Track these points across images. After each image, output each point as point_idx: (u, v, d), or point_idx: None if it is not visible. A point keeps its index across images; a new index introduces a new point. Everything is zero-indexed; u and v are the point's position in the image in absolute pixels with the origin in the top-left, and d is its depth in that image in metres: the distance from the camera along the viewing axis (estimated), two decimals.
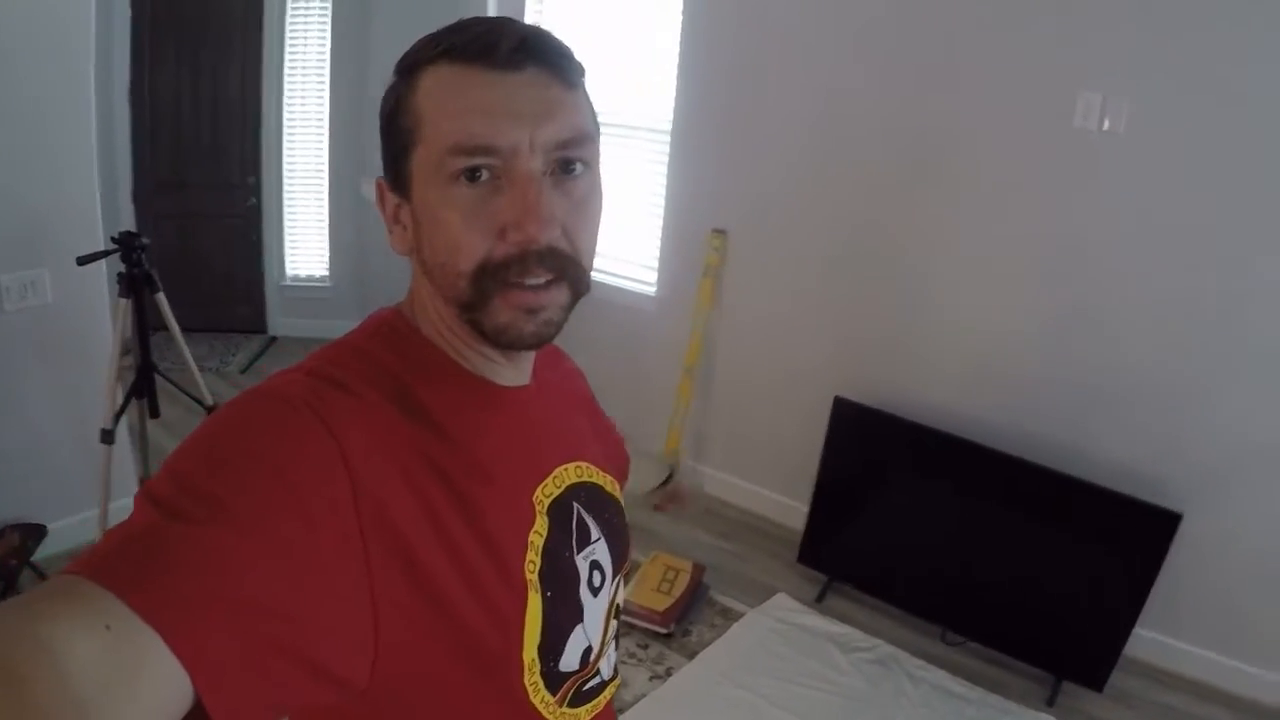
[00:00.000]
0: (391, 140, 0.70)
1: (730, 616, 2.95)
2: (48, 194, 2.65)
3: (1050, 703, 2.71)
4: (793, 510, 3.45)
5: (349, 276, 5.25)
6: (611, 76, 3.84)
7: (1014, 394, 3.00)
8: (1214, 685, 2.80)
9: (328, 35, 4.80)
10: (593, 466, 0.87)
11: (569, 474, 0.82)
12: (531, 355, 0.80)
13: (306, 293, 5.30)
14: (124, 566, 0.49)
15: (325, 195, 5.11)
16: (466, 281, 0.67)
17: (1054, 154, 2.80)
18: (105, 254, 2.40)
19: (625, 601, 0.73)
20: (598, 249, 0.73)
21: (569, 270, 0.69)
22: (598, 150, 0.71)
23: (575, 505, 0.81)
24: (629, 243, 3.92)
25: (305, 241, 5.24)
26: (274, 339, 5.20)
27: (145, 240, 2.42)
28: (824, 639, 2.84)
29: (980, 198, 2.97)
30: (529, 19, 4.11)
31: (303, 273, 5.30)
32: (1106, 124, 2.68)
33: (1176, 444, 2.74)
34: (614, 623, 0.86)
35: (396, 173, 0.71)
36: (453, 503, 0.67)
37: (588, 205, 0.70)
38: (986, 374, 3.06)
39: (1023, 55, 2.80)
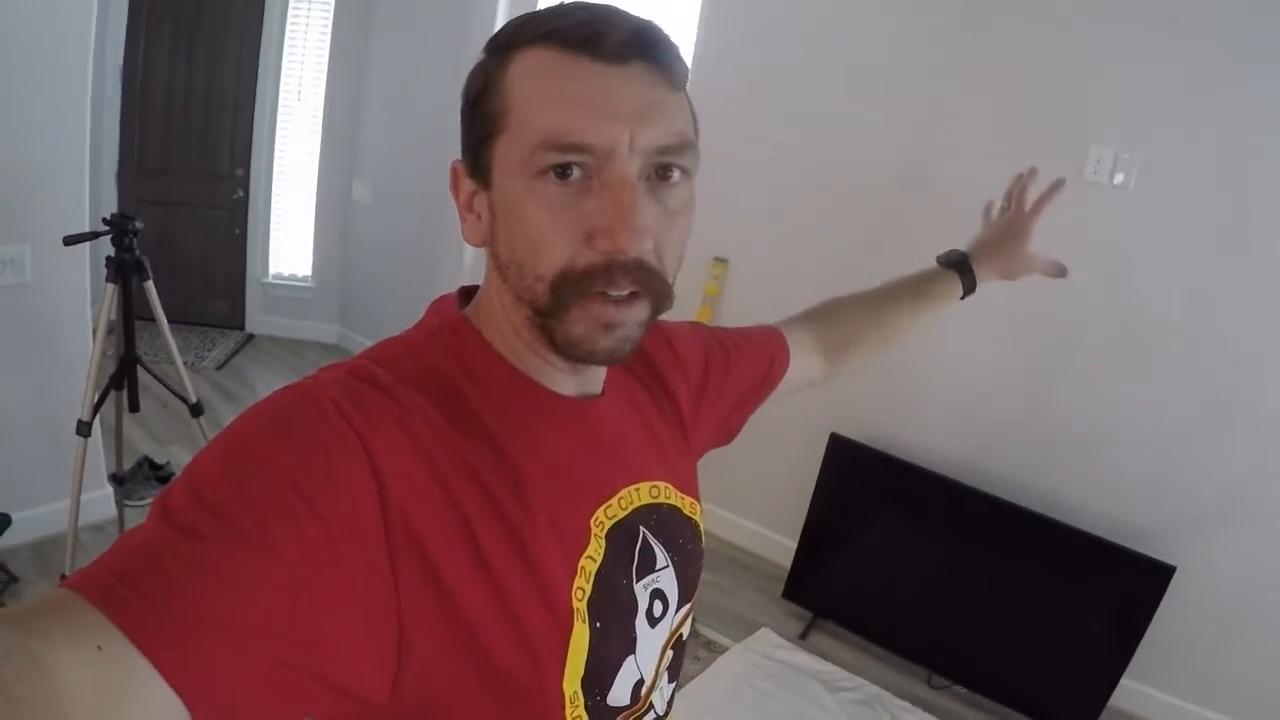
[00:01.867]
0: (475, 123, 0.65)
1: (714, 650, 2.88)
2: (35, 169, 2.53)
3: None
4: (779, 545, 3.40)
5: (332, 279, 5.18)
6: None
7: (1009, 439, 2.97)
8: None
9: (328, 31, 4.74)
10: (671, 487, 0.80)
11: (639, 495, 0.76)
12: (603, 368, 0.75)
13: (288, 292, 5.21)
14: (121, 586, 0.46)
15: (314, 194, 5.02)
16: (545, 286, 0.62)
17: (1062, 205, 2.79)
18: (95, 235, 2.29)
19: None
20: (681, 264, 0.68)
21: (653, 285, 0.63)
22: (697, 158, 0.65)
23: (642, 529, 0.75)
24: None
25: (290, 239, 5.14)
26: (251, 336, 5.08)
27: (139, 224, 2.30)
28: (809, 677, 2.78)
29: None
30: None
31: (285, 271, 5.20)
32: (1118, 178, 2.69)
33: (1167, 495, 2.73)
34: (670, 653, 0.79)
35: (476, 158, 0.65)
36: (494, 520, 0.61)
37: (680, 217, 0.64)
38: (982, 417, 3.04)
39: (1036, 106, 2.81)
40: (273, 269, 5.15)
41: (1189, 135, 2.58)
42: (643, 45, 0.61)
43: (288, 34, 4.71)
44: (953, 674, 2.89)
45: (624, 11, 0.62)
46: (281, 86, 4.79)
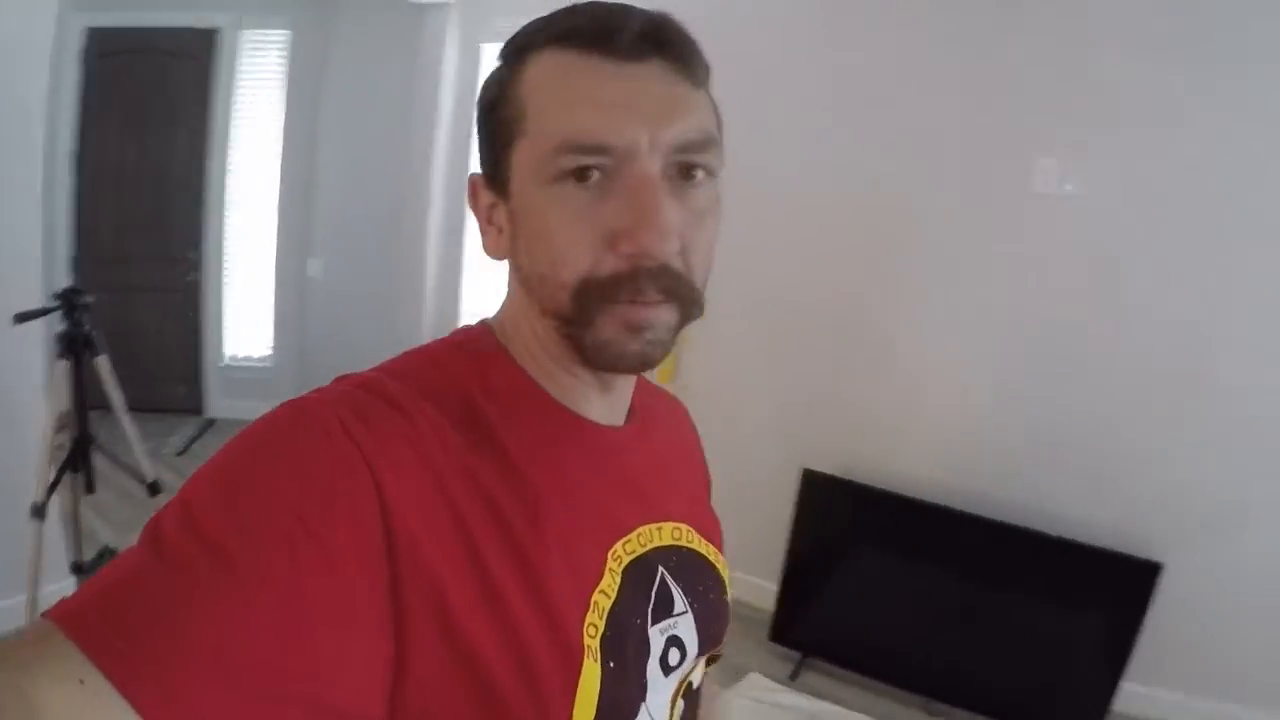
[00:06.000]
0: (491, 132, 0.63)
1: None
2: None
3: None
4: (760, 589, 3.34)
5: (292, 356, 5.11)
6: None
7: (985, 457, 2.99)
8: None
9: (280, 108, 4.78)
10: (694, 531, 0.77)
11: (659, 534, 0.72)
12: (629, 393, 0.73)
13: (247, 373, 5.13)
14: (101, 621, 0.45)
15: (270, 271, 5.00)
16: (568, 295, 0.59)
17: (1014, 219, 2.87)
18: (46, 311, 2.25)
19: None
20: (711, 270, 0.65)
21: (681, 291, 0.60)
22: (721, 157, 0.63)
23: (660, 570, 0.71)
24: None
25: (247, 319, 5.09)
26: (212, 421, 4.98)
27: (89, 298, 2.27)
28: (804, 717, 2.71)
29: (945, 264, 3.01)
30: None
31: (242, 352, 5.13)
32: (1067, 188, 2.76)
33: (1150, 497, 2.75)
34: (681, 703, 0.74)
35: (495, 168, 0.63)
36: (505, 547, 0.58)
37: (706, 219, 0.62)
38: (956, 439, 3.05)
39: (978, 124, 2.89)
40: (230, 350, 5.09)
41: (1132, 141, 2.66)
42: (659, 41, 0.59)
43: (234, 112, 4.74)
44: (950, 698, 2.85)
45: (636, 8, 0.60)
46: (230, 166, 4.79)
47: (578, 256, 0.58)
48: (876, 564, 3.03)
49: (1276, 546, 2.64)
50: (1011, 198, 2.85)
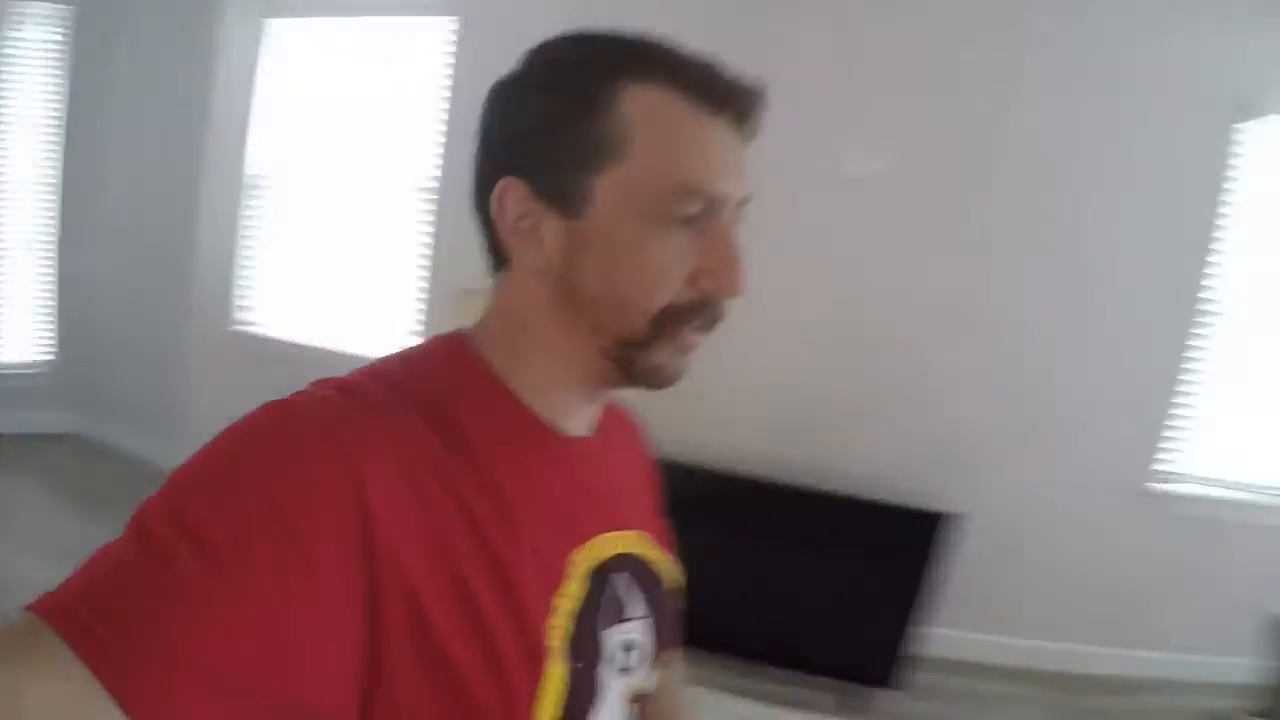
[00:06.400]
0: (565, 141, 0.64)
1: None
2: None
3: (854, 710, 2.78)
4: None
5: (78, 359, 4.65)
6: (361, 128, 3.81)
7: (774, 424, 3.11)
8: (993, 664, 3.02)
9: (65, 87, 4.38)
10: (649, 540, 0.82)
11: (617, 542, 0.75)
12: (598, 405, 0.76)
13: (23, 380, 4.61)
14: (89, 615, 0.46)
15: (53, 266, 4.55)
16: (647, 320, 0.65)
17: (820, 201, 2.98)
18: None
19: None
20: None
21: (720, 315, 0.69)
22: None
23: (620, 576, 0.74)
24: (385, 306, 3.84)
25: (21, 320, 4.57)
26: None
27: None
28: None
29: (750, 240, 3.03)
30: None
31: (17, 358, 4.61)
32: (868, 167, 2.92)
33: (928, 451, 2.97)
34: (634, 706, 0.77)
35: (559, 182, 0.64)
36: (480, 551, 0.61)
37: None
38: (747, 406, 3.16)
39: (779, 112, 2.92)
40: (5, 358, 4.55)
41: (933, 121, 2.88)
42: (751, 106, 0.66)
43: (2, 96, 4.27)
44: (763, 658, 2.93)
45: (731, 68, 0.65)
46: None
47: (669, 288, 0.64)
48: (679, 537, 2.99)
49: (1044, 490, 2.94)
50: (817, 181, 2.98)
